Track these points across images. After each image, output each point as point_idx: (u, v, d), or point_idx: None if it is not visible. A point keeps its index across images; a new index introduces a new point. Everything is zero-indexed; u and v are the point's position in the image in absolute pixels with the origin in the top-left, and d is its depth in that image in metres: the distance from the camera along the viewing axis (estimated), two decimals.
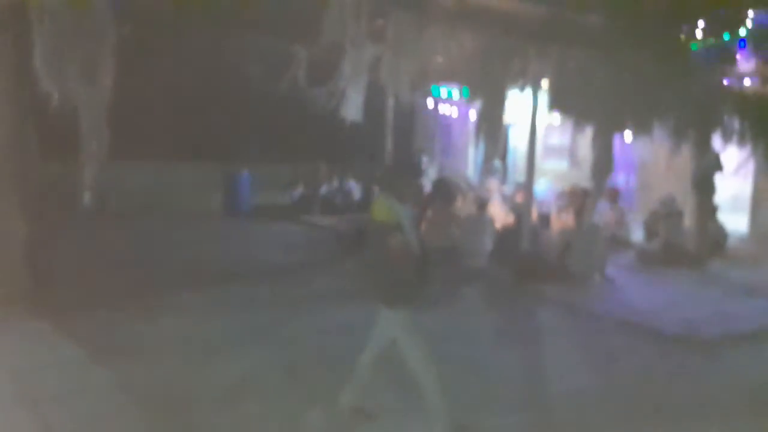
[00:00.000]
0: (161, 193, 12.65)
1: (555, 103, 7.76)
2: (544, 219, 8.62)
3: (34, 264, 6.51)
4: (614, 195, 10.14)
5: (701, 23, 8.00)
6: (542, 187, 11.04)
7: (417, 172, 4.16)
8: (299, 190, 13.65)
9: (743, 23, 8.08)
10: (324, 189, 13.72)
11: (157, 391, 4.34)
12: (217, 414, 4.04)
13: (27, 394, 4.22)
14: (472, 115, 10.26)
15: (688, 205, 9.70)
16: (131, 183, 12.12)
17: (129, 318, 5.88)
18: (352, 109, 7.91)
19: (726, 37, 8.16)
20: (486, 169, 12.24)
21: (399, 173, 4.27)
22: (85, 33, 5.71)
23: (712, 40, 8.12)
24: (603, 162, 7.96)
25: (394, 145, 11.37)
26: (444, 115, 13.89)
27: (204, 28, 8.81)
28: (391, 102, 10.52)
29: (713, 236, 9.67)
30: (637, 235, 10.22)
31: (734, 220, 10.93)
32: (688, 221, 9.56)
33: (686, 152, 8.77)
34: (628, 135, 8.68)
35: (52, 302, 6.10)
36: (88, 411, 4.01)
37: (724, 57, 8.29)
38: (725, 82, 8.44)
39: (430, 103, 13.46)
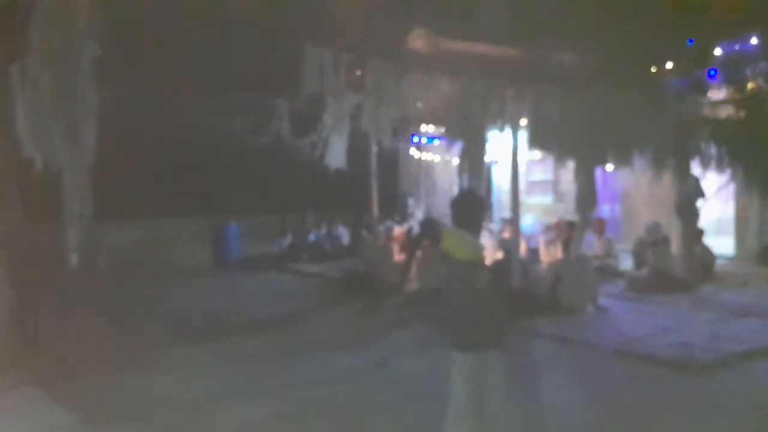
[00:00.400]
0: (149, 250, 12.65)
1: (535, 141, 7.91)
2: (533, 253, 8.69)
3: (22, 329, 6.43)
4: (601, 226, 10.26)
5: (672, 56, 8.26)
6: (528, 222, 11.14)
7: (483, 204, 3.78)
8: (287, 239, 13.68)
9: (712, 54, 8.33)
10: (312, 236, 13.77)
11: None
12: None
13: None
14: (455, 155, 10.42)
15: (673, 231, 9.83)
16: (119, 242, 12.10)
17: (122, 378, 5.80)
18: (336, 156, 8.05)
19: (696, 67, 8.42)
20: None
21: (471, 206, 3.81)
22: (67, 94, 5.78)
23: (684, 72, 8.38)
24: (587, 194, 8.08)
25: (379, 188, 11.47)
26: (426, 157, 14.08)
27: (186, 85, 8.96)
28: (374, 148, 10.67)
29: (701, 260, 9.78)
30: (626, 263, 10.30)
31: (720, 242, 11.07)
32: (675, 247, 9.67)
33: (667, 180, 8.95)
34: (609, 166, 8.84)
35: (42, 366, 6.01)
36: None
37: (697, 87, 8.53)
38: (699, 111, 8.66)
39: (412, 146, 13.67)
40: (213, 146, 13.45)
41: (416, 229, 11.01)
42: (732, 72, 8.40)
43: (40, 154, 5.87)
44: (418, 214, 12.04)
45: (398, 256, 10.61)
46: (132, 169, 12.19)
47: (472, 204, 3.85)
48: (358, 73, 7.82)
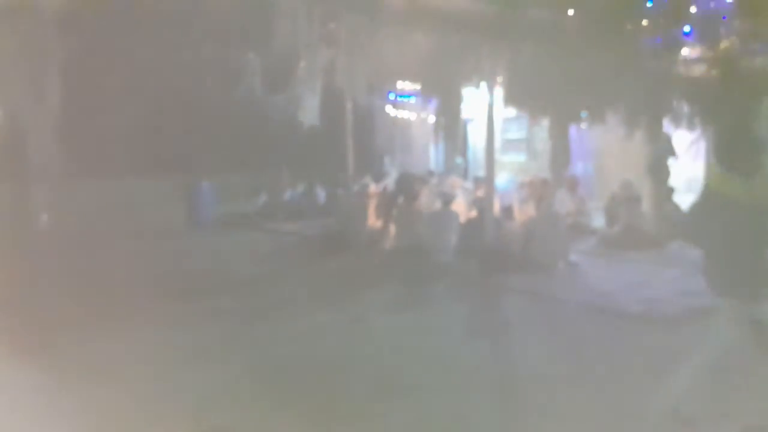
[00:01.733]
0: (120, 210, 12.44)
1: (510, 98, 7.91)
2: (507, 211, 8.77)
3: None
4: (573, 184, 10.39)
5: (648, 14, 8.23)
6: (503, 180, 11.23)
7: None
8: (262, 198, 13.60)
9: (687, 11, 8.32)
10: (288, 195, 13.70)
11: (127, 407, 4.25)
12: (191, 425, 3.99)
13: None
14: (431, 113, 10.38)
15: (644, 189, 9.99)
16: (89, 202, 11.88)
17: (94, 337, 5.73)
18: (310, 113, 7.96)
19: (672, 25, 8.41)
20: (448, 166, 12.40)
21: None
22: (28, 48, 5.61)
23: (659, 30, 8.37)
24: (560, 152, 8.17)
25: (354, 147, 11.41)
26: (402, 114, 14.01)
27: (155, 39, 8.72)
28: (349, 105, 10.57)
29: (670, 218, 9.98)
30: (598, 220, 10.48)
31: (690, 200, 11.27)
32: (646, 205, 9.85)
33: (640, 138, 9.04)
34: (582, 125, 8.89)
35: (12, 326, 5.93)
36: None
37: (671, 45, 8.54)
38: (673, 69, 8.71)
39: (388, 103, 13.57)
40: (185, 103, 13.18)
41: (396, 187, 11.02)
42: (706, 30, 8.43)
43: (3, 111, 5.71)
44: (394, 173, 12.03)
45: (374, 215, 10.64)
46: (101, 127, 11.91)
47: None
48: (332, 26, 7.68)
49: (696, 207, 3.83)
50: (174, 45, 9.02)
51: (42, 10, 5.58)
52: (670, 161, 9.80)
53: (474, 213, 9.09)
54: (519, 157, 14.45)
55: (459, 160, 12.58)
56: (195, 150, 13.24)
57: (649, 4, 8.03)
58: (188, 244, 11.34)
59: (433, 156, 16.60)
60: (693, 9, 8.33)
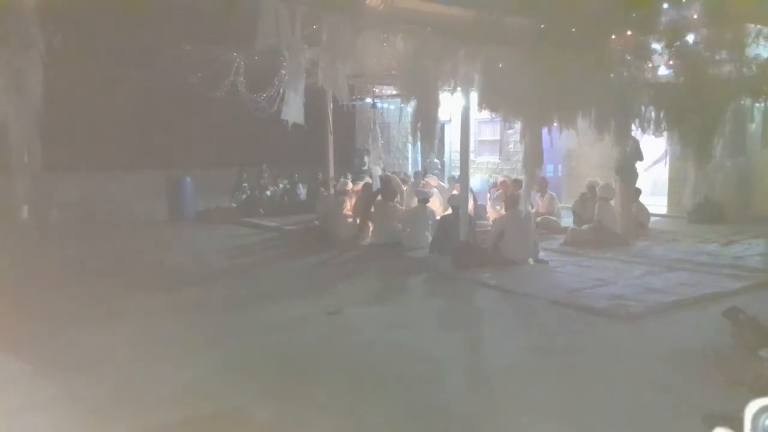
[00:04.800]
0: (103, 203, 12.47)
1: (484, 102, 8.12)
2: (480, 210, 9.06)
3: None
4: (543, 184, 10.73)
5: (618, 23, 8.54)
6: (477, 180, 11.53)
7: None
8: (244, 193, 13.74)
9: (657, 20, 8.64)
10: (269, 191, 13.87)
11: (109, 397, 4.26)
12: (170, 415, 3.98)
13: None
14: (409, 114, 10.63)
15: (612, 191, 10.37)
16: (72, 195, 11.90)
17: (77, 329, 5.73)
18: (293, 112, 8.11)
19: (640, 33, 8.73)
20: (425, 166, 12.67)
21: None
22: (11, 42, 5.66)
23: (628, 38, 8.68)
24: (533, 154, 8.39)
25: (335, 146, 11.62)
26: (382, 115, 14.24)
27: (142, 37, 8.84)
28: (330, 104, 10.78)
29: (637, 218, 10.39)
30: (567, 220, 10.81)
31: (655, 202, 11.72)
32: (613, 205, 10.22)
33: (608, 142, 9.38)
34: (554, 128, 9.17)
35: None
36: (40, 424, 3.86)
37: (640, 52, 8.86)
38: (641, 75, 9.03)
39: (368, 104, 13.79)
40: (169, 99, 13.26)
41: (373, 186, 11.24)
42: (673, 38, 8.76)
43: None
44: (376, 171, 12.23)
45: (352, 212, 10.86)
46: (85, 121, 11.96)
47: None
48: (314, 27, 7.85)
49: None
50: (158, 43, 9.14)
51: (23, 2, 5.65)
52: (638, 164, 10.20)
53: (449, 211, 9.36)
54: (493, 158, 14.82)
55: (435, 160, 12.86)
56: (179, 144, 13.33)
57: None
58: (170, 238, 11.42)
59: (410, 156, 16.89)
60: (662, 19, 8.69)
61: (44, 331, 5.68)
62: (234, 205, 13.67)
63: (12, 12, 5.58)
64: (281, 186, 14.07)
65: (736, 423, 0.67)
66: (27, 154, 6.55)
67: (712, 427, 0.85)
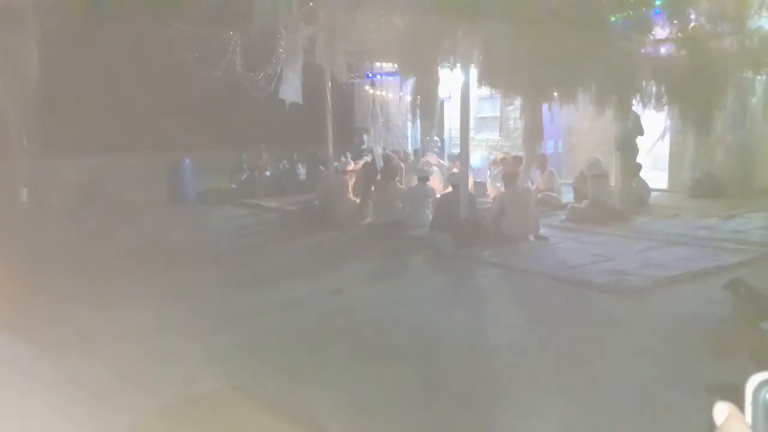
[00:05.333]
0: (102, 186, 12.43)
1: (484, 78, 8.07)
2: (480, 187, 9.03)
3: None
4: (543, 161, 10.68)
5: None
6: (477, 157, 11.49)
7: None
8: (244, 174, 13.72)
9: None
10: (269, 172, 13.84)
11: (113, 378, 4.27)
12: (178, 395, 4.00)
13: None
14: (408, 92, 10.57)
15: (612, 166, 10.34)
16: (70, 177, 11.87)
17: (80, 310, 5.73)
18: (291, 91, 8.07)
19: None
20: (424, 143, 12.61)
21: None
22: (8, 28, 5.60)
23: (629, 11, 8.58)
24: (533, 131, 8.35)
25: (334, 124, 11.57)
26: (381, 93, 14.14)
27: (138, 16, 8.75)
28: (328, 83, 10.70)
29: (637, 193, 10.36)
30: (567, 196, 10.79)
31: (656, 177, 11.70)
32: (614, 181, 10.19)
33: (609, 117, 9.34)
34: (554, 104, 9.13)
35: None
36: (44, 406, 3.86)
37: (641, 26, 8.77)
38: (642, 50, 8.95)
39: (366, 82, 13.70)
40: (166, 80, 13.16)
41: (375, 165, 11.20)
42: (675, 11, 8.67)
43: None
44: (377, 150, 12.19)
45: (353, 191, 10.84)
46: (82, 103, 11.88)
47: None
48: (311, 4, 7.78)
49: None
50: (155, 22, 9.05)
51: None
52: (638, 139, 10.16)
53: (449, 189, 9.35)
54: (492, 135, 14.75)
55: (435, 138, 12.81)
56: (176, 127, 13.26)
57: None
58: (170, 219, 11.42)
59: (410, 134, 16.81)
60: None
61: (47, 312, 5.68)
62: (234, 186, 13.65)
63: None
64: (280, 166, 14.03)
65: (740, 395, 0.67)
66: (26, 137, 6.53)
67: (715, 396, 0.85)
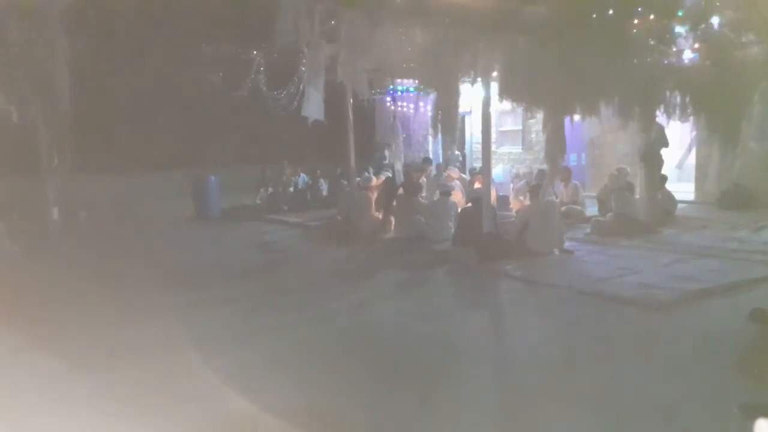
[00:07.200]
0: (130, 203, 12.65)
1: (505, 92, 8.05)
2: (503, 201, 8.99)
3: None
4: (567, 174, 10.61)
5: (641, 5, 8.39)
6: (499, 171, 11.46)
7: None
8: (268, 190, 13.87)
9: (680, 3, 8.47)
10: (293, 188, 13.98)
11: (141, 393, 4.31)
12: (206, 411, 4.03)
13: (6, 408, 4.12)
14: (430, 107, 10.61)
15: (637, 178, 10.24)
16: (99, 195, 12.11)
17: (107, 325, 5.84)
18: (313, 108, 8.14)
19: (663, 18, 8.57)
20: (446, 158, 12.63)
21: None
22: (37, 44, 5.75)
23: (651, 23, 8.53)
24: (555, 144, 8.28)
25: (356, 140, 11.65)
26: (402, 109, 14.23)
27: (164, 38, 8.95)
28: (350, 99, 10.80)
29: (663, 205, 10.23)
30: (592, 209, 10.69)
31: (682, 188, 11.54)
32: (639, 193, 10.08)
33: (633, 129, 9.26)
34: (576, 116, 9.08)
35: (33, 317, 6.11)
36: (77, 419, 3.92)
37: (663, 37, 8.71)
38: (665, 61, 8.87)
39: (387, 98, 13.80)
40: (192, 99, 13.40)
41: (396, 180, 11.24)
42: (698, 21, 8.59)
43: (13, 106, 5.88)
44: (397, 165, 12.24)
45: (375, 206, 10.88)
46: (110, 122, 12.15)
47: None
48: (332, 23, 7.87)
49: None
50: (181, 42, 9.24)
51: (48, 6, 5.73)
52: (663, 150, 10.05)
53: (471, 202, 9.32)
54: (514, 149, 14.70)
55: (457, 152, 12.82)
56: (202, 144, 13.48)
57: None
58: (197, 235, 11.56)
59: (431, 148, 16.85)
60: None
61: (78, 328, 5.78)
62: (258, 202, 13.80)
63: (37, 16, 5.68)
64: (302, 181, 14.16)
65: None
66: (56, 157, 6.69)
67: (748, 416, 0.85)
